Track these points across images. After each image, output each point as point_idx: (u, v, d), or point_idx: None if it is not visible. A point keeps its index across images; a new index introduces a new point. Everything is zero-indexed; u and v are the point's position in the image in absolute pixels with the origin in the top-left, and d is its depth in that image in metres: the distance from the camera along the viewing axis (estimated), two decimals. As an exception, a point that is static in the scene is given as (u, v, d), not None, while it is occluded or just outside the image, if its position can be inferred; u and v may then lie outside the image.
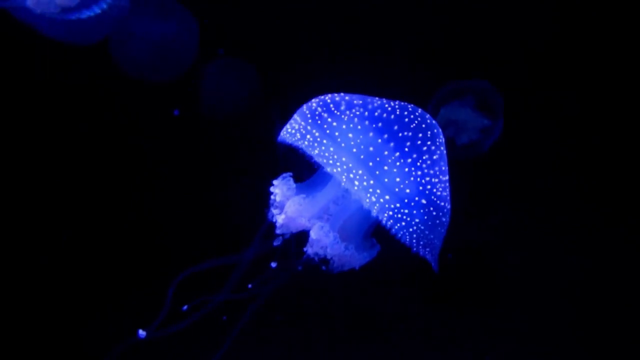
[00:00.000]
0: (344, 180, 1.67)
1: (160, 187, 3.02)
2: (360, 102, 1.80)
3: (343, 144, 1.69)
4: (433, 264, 1.86)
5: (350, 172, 1.66)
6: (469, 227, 3.03)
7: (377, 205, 1.67)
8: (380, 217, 1.68)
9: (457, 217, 2.03)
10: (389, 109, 1.76)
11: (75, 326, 2.91)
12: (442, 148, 1.80)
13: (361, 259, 1.85)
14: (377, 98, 1.83)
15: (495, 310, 3.06)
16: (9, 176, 2.90)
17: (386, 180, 1.68)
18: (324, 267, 1.84)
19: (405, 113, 1.76)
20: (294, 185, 1.87)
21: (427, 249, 1.79)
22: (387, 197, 1.67)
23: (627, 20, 2.97)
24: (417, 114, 1.78)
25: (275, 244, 1.91)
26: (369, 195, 1.66)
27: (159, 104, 2.94)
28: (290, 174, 1.88)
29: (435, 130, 1.79)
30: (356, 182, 1.66)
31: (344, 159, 1.68)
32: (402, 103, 1.81)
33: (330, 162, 1.68)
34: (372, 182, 1.66)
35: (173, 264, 2.99)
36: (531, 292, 3.06)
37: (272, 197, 1.85)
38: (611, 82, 3.01)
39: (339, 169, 1.67)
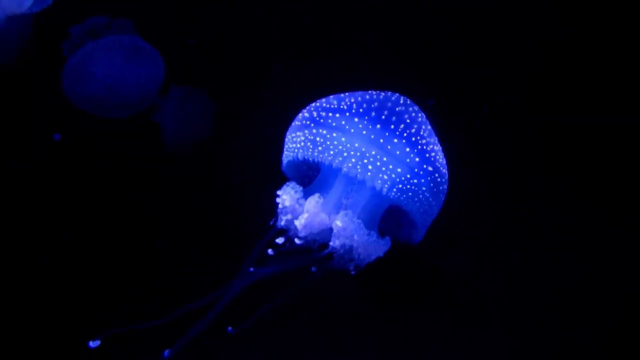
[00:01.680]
0: (358, 170, 1.74)
1: (160, 187, 3.03)
2: (347, 94, 1.89)
3: (353, 130, 1.77)
4: (421, 231, 1.98)
5: (364, 156, 1.74)
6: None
7: (389, 182, 1.75)
8: (390, 194, 1.76)
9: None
10: (374, 95, 1.87)
11: (75, 326, 2.90)
12: (427, 120, 1.91)
13: (384, 244, 1.90)
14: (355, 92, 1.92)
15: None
16: (9, 176, 2.90)
17: (398, 152, 1.77)
18: (351, 265, 1.87)
19: (388, 95, 1.88)
20: (301, 189, 1.90)
21: (426, 218, 1.92)
22: (399, 170, 1.76)
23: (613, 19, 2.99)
24: (395, 95, 1.89)
25: (289, 246, 1.93)
26: (381, 174, 1.75)
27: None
28: (293, 182, 1.90)
29: (417, 106, 1.90)
30: (370, 167, 1.74)
31: (356, 144, 1.75)
32: (376, 91, 1.90)
33: (345, 154, 1.75)
34: (385, 159, 1.75)
35: (173, 265, 3.00)
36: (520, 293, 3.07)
37: (280, 204, 1.87)
38: (601, 83, 3.01)
39: (351, 161, 1.75)
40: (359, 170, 1.74)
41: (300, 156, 1.87)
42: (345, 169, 1.76)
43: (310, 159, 1.83)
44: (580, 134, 3.04)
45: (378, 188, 1.76)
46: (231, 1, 3.04)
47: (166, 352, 2.02)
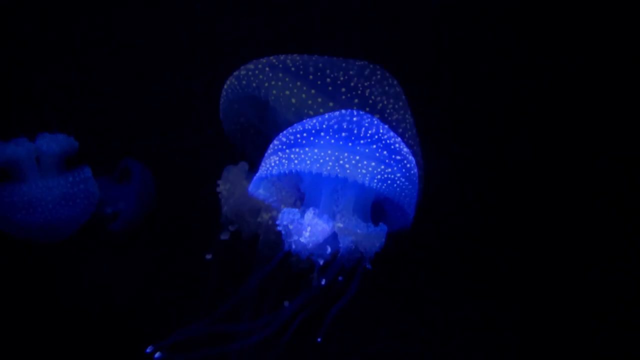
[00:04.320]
0: (338, 171, 1.93)
1: (161, 188, 3.04)
2: (307, 119, 2.10)
3: (322, 142, 1.99)
4: (410, 213, 2.17)
5: (338, 161, 1.94)
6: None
7: (368, 175, 1.95)
8: (372, 185, 1.96)
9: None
10: (331, 114, 2.10)
11: (76, 327, 2.93)
12: (381, 122, 2.13)
13: (382, 230, 2.07)
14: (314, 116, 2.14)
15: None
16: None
17: (367, 150, 1.99)
18: (361, 261, 2.05)
19: (342, 112, 2.11)
20: (297, 210, 2.04)
21: (410, 201, 2.12)
22: (373, 164, 1.96)
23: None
24: (349, 110, 2.13)
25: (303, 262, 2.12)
26: (359, 171, 1.94)
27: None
28: (287, 207, 2.07)
29: (369, 114, 2.13)
30: (347, 166, 1.94)
31: (329, 151, 1.95)
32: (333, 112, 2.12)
33: (320, 163, 1.94)
34: (358, 157, 1.96)
35: (174, 267, 3.02)
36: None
37: (282, 230, 2.02)
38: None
39: (329, 165, 1.93)
40: (338, 170, 1.93)
41: (278, 172, 2.03)
42: (325, 173, 1.94)
43: (292, 170, 2.00)
44: (579, 135, 3.05)
45: (359, 182, 1.94)
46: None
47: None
